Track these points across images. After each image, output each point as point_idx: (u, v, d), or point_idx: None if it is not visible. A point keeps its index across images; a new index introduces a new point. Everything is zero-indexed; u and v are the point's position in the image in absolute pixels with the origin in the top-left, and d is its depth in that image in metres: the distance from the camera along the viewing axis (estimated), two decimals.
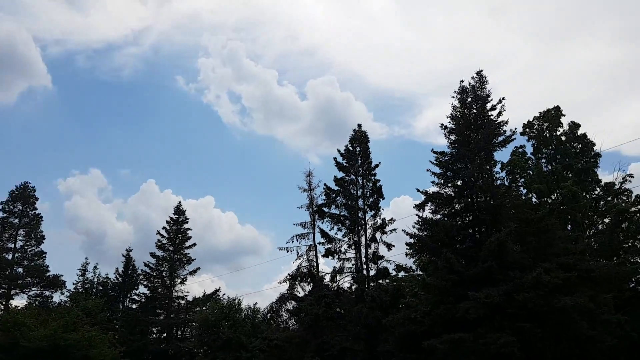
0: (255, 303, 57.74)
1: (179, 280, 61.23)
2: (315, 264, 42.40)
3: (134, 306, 64.14)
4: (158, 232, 62.16)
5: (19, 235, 50.00)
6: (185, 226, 62.86)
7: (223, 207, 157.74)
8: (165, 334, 61.54)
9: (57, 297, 56.74)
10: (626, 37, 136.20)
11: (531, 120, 50.11)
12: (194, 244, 62.62)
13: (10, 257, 48.20)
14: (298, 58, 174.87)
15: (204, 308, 56.53)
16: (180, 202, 64.32)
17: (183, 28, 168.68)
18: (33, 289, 49.97)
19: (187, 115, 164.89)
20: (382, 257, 39.64)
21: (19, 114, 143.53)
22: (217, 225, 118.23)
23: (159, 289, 61.45)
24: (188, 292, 61.86)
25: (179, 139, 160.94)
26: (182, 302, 61.44)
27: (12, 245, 49.35)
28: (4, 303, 46.14)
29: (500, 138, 33.90)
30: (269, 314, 43.09)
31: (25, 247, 50.70)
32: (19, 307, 43.56)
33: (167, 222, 62.58)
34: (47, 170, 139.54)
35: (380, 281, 39.24)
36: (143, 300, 63.13)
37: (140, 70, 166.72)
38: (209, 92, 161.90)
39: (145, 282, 62.77)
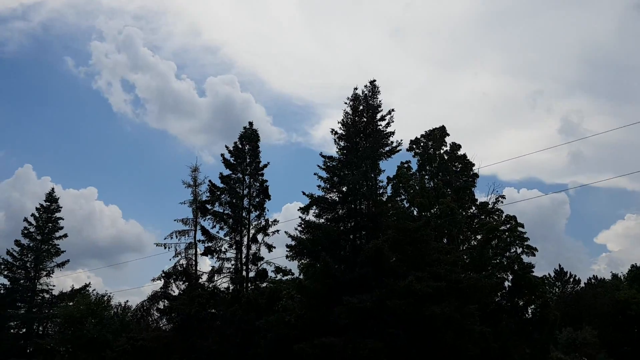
0: (127, 301, 54.67)
1: (44, 273, 56.61)
2: (194, 263, 40.82)
3: None
4: (25, 219, 57.20)
5: None
6: (57, 215, 58.32)
7: (106, 199, 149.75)
8: (24, 330, 56.54)
9: None
10: (510, 72, 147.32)
11: (418, 137, 52.13)
12: (66, 235, 58.24)
13: None
14: (199, 54, 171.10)
15: (70, 303, 52.57)
16: (53, 189, 59.76)
17: (77, 8, 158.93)
18: None
19: (75, 99, 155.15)
20: (262, 258, 38.92)
21: None
22: (97, 219, 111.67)
23: (21, 280, 56.39)
24: (54, 285, 57.40)
25: (63, 124, 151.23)
26: (47, 295, 56.82)
27: None
28: None
29: (387, 148, 34.64)
30: (139, 313, 40.77)
31: None
32: None
33: (37, 209, 57.75)
34: None
35: (259, 283, 38.44)
36: (2, 291, 57.62)
37: (27, 47, 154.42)
38: (100, 77, 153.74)
39: (5, 272, 57.36)
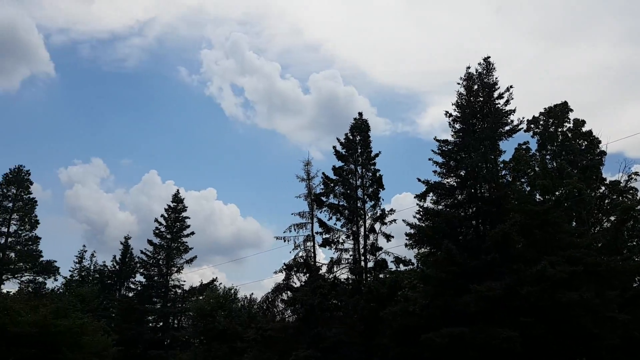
0: (252, 293, 57.03)
1: (175, 269, 60.46)
2: (312, 255, 41.43)
3: (130, 294, 63.47)
4: (156, 220, 61.43)
5: (12, 219, 49.14)
6: (184, 214, 62.06)
7: (225, 199, 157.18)
8: (161, 323, 60.85)
9: (50, 284, 56.11)
10: (632, 39, 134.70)
11: (536, 115, 49.12)
12: (192, 233, 61.90)
13: (2, 241, 47.43)
14: (302, 52, 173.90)
15: (200, 297, 55.75)
16: (178, 190, 63.56)
17: (187, 20, 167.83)
18: (25, 274, 49.23)
19: (190, 107, 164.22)
20: (381, 248, 38.65)
21: (20, 101, 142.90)
22: (218, 218, 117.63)
23: (155, 277, 60.68)
24: (184, 281, 61.22)
25: (182, 131, 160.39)
26: (179, 291, 60.68)
27: (5, 230, 48.52)
28: None
29: (507, 127, 32.90)
30: (265, 305, 42.21)
31: (19, 232, 49.89)
32: (10, 293, 42.78)
33: (165, 209, 61.81)
34: (49, 158, 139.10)
35: (378, 273, 38.23)
36: (139, 288, 62.44)
37: (144, 61, 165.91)
38: (211, 84, 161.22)
39: (141, 270, 62.13)
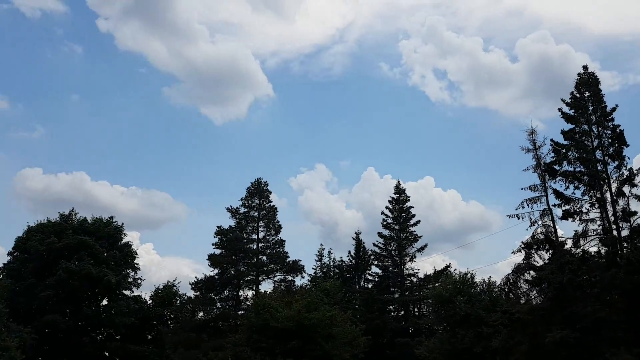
0: (490, 277, 54.82)
1: (407, 258, 61.24)
2: (552, 229, 38.14)
3: (369, 286, 66.09)
4: (382, 212, 63.03)
5: (259, 226, 55.00)
6: (407, 204, 62.60)
7: (443, 186, 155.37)
8: (402, 312, 62.19)
9: (298, 281, 61.40)
10: None
11: None
12: (419, 221, 62.10)
13: (254, 246, 53.31)
14: (504, 20, 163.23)
15: (436, 285, 55.53)
16: (399, 182, 64.35)
17: (382, 16, 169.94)
18: (277, 274, 54.72)
19: (396, 100, 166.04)
20: (635, 213, 33.84)
21: (250, 123, 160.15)
22: (440, 205, 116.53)
23: (390, 268, 62.23)
24: (418, 269, 61.67)
25: (391, 125, 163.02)
26: (414, 279, 61.33)
27: (255, 236, 54.48)
28: (254, 288, 51.10)
29: None
30: (506, 287, 40.07)
31: (267, 237, 55.56)
32: (267, 292, 47.71)
33: (389, 201, 63.06)
34: (280, 170, 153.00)
35: (637, 241, 33.48)
36: (376, 279, 64.65)
37: (348, 65, 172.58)
38: (413, 73, 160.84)
39: (376, 262, 64.33)
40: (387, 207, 63.11)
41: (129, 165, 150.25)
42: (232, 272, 50.00)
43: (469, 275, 49.59)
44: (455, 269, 59.29)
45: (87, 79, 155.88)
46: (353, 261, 67.66)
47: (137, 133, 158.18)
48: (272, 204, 56.61)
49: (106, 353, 47.75)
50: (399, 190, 63.53)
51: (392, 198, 63.26)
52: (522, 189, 38.96)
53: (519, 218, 38.54)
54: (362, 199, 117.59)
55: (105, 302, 48.60)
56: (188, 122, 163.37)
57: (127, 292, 50.41)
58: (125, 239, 51.71)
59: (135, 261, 51.66)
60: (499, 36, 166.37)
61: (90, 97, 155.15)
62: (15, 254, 49.00)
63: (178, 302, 49.19)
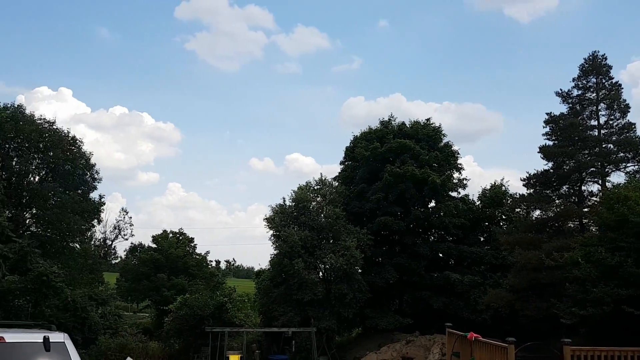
0: None
1: None
2: None
3: None
4: None
5: (599, 109, 45.45)
6: None
7: None
8: None
9: None
10: None
11: None
12: None
13: (595, 133, 44.42)
14: None
15: None
16: None
17: None
18: (628, 164, 44.80)
19: None
20: None
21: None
22: None
23: None
24: None
25: None
26: None
27: (595, 122, 45.28)
28: (599, 182, 42.83)
29: None
30: None
31: (610, 122, 45.71)
32: (620, 184, 39.26)
33: None
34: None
35: None
36: None
37: None
38: None
39: None
40: None
41: (439, 82, 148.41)
42: (572, 164, 42.65)
43: None
44: None
45: (391, 3, 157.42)
46: None
47: (442, 49, 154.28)
48: (613, 80, 46.00)
49: (440, 254, 47.23)
50: None
51: None
52: None
53: None
54: None
55: (433, 203, 47.76)
56: (492, 27, 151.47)
57: (453, 194, 48.72)
58: (444, 140, 49.57)
59: (458, 161, 49.22)
60: None
61: (396, 22, 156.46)
62: (346, 162, 51.78)
63: (509, 201, 45.04)
